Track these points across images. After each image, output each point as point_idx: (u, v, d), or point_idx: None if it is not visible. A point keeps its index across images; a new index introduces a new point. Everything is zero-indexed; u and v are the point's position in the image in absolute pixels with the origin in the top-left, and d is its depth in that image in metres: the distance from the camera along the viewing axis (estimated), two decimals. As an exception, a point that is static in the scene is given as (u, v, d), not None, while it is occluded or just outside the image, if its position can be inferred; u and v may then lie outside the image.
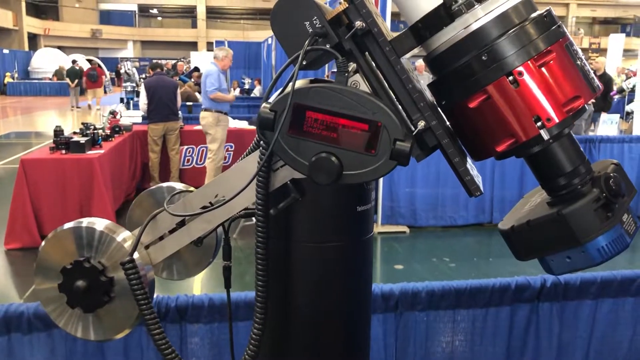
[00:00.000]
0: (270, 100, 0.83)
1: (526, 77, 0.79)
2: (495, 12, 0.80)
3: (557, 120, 0.79)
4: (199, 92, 11.84)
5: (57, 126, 5.72)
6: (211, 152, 6.77)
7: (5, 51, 26.43)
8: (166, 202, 0.96)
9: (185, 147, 7.57)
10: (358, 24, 0.83)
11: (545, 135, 0.80)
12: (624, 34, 22.15)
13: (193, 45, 33.17)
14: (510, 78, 0.79)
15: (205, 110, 6.69)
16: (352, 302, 0.96)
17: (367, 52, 0.86)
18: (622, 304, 2.26)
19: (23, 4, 27.83)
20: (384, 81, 0.86)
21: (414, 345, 2.11)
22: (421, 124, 0.83)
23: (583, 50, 25.44)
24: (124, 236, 0.97)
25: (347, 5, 0.85)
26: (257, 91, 14.70)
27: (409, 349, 2.11)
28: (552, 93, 0.79)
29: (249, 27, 34.16)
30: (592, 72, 0.83)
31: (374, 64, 0.87)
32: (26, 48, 29.03)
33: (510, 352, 2.20)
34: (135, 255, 0.93)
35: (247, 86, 15.58)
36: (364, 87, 0.86)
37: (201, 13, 34.85)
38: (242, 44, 17.97)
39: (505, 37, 0.79)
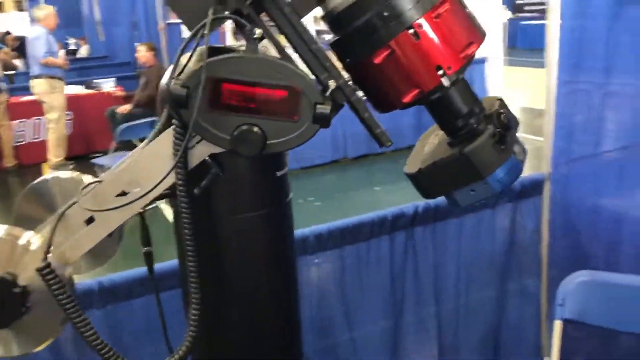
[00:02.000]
0: (179, 75, 0.80)
1: (426, 29, 0.83)
2: None
3: (456, 68, 0.86)
4: (17, 58, 10.73)
5: None
6: (50, 122, 6.25)
7: None
8: (77, 196, 0.89)
9: (16, 121, 6.90)
10: None
11: (446, 82, 0.86)
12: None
13: (-2, 5, 29.65)
14: (411, 31, 0.83)
15: (37, 77, 6.12)
16: (282, 268, 0.98)
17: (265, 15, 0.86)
18: (481, 217, 2.52)
19: None
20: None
21: (308, 287, 2.20)
22: (332, 83, 0.85)
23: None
24: (29, 239, 0.90)
25: None
26: (83, 51, 13.60)
27: (304, 292, 2.19)
28: (450, 42, 0.85)
29: (60, -19, 31.22)
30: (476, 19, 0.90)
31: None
32: None
33: (394, 278, 2.37)
34: (50, 257, 0.87)
35: (72, 47, 14.34)
36: (273, 52, 0.85)
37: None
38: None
39: None
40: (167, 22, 7.39)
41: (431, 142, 1.04)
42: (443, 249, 2.45)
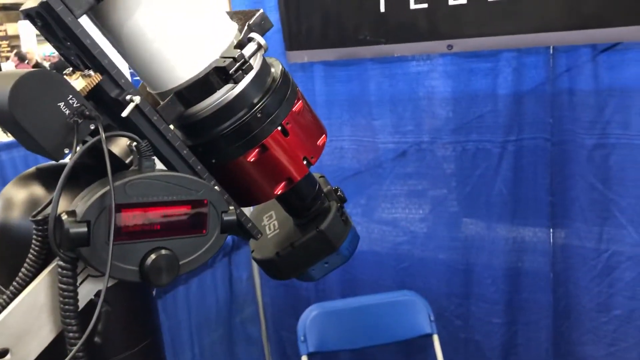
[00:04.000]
0: (75, 210, 0.67)
1: (292, 125, 0.89)
2: (253, 71, 0.85)
3: (317, 157, 0.93)
4: None
5: None
6: None
7: None
8: None
9: None
10: (135, 98, 0.74)
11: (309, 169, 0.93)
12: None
13: None
14: (280, 129, 0.87)
15: None
16: None
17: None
18: (203, 277, 2.56)
19: None
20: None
21: None
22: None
23: (-9, 39, 24.11)
24: None
25: (100, 78, 0.75)
26: None
27: None
28: (310, 134, 0.92)
29: None
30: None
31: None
32: None
33: None
34: None
35: None
36: (160, 165, 0.78)
37: None
38: None
39: (270, 95, 0.86)
40: None
41: (270, 225, 1.08)
42: (175, 318, 2.41)
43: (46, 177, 0.78)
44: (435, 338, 2.23)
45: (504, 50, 2.02)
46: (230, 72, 0.79)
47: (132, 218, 0.70)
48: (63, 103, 0.70)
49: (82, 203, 0.68)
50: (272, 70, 0.91)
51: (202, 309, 2.55)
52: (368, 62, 2.30)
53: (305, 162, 0.91)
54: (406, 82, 2.25)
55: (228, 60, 0.79)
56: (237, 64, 0.79)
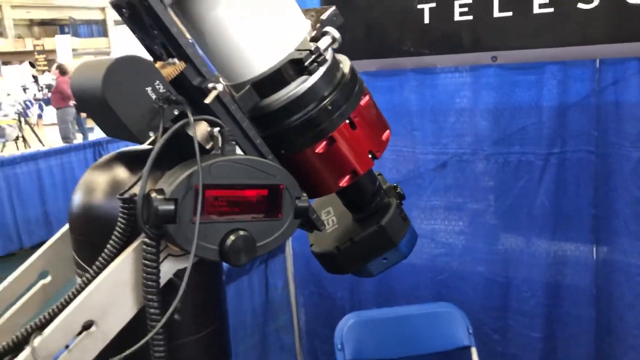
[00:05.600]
0: (163, 188, 0.69)
1: (359, 119, 0.91)
2: (321, 70, 0.88)
3: (382, 151, 0.95)
4: None
5: None
6: None
7: None
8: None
9: None
10: (219, 86, 0.77)
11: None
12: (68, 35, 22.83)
13: None
14: (348, 122, 0.89)
15: None
16: None
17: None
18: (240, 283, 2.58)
19: None
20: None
21: None
22: None
23: (29, 52, 24.78)
24: None
25: (184, 66, 0.78)
26: None
27: None
28: (375, 129, 0.94)
29: None
30: None
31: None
32: None
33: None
34: None
35: None
36: (239, 151, 0.80)
37: None
38: None
39: (339, 89, 0.89)
40: None
41: (327, 220, 1.10)
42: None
43: (127, 161, 0.81)
44: (474, 351, 2.22)
45: (549, 62, 2.02)
46: (306, 64, 0.81)
47: (214, 199, 0.73)
48: (150, 88, 0.74)
49: (169, 182, 0.70)
50: (341, 65, 0.93)
51: (238, 314, 2.56)
52: (409, 72, 2.32)
53: (370, 156, 0.93)
54: (448, 93, 2.26)
55: (304, 53, 0.81)
56: (313, 56, 0.82)
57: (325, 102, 0.87)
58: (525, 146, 2.14)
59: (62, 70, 9.06)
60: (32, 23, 30.94)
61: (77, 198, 0.80)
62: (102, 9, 28.01)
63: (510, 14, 2.01)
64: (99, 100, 0.71)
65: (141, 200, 0.69)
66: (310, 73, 0.83)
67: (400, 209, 1.05)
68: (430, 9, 2.16)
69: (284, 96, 0.87)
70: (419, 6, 2.17)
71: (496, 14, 2.04)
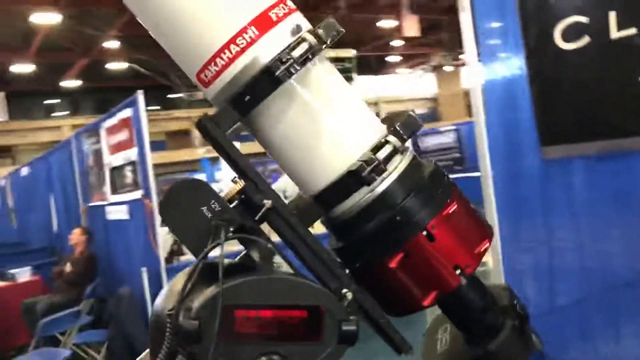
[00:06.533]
0: (192, 306, 0.71)
1: (439, 230, 0.81)
2: (396, 172, 0.82)
3: (474, 266, 0.83)
4: None
5: None
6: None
7: None
8: None
9: None
10: (267, 202, 0.78)
11: (463, 281, 0.83)
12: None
13: None
14: (425, 233, 0.80)
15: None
16: None
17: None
18: None
19: None
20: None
21: None
22: (348, 294, 0.79)
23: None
24: None
25: (243, 184, 0.80)
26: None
27: None
28: (464, 240, 0.83)
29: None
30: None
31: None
32: None
33: None
34: None
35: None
36: (286, 267, 0.79)
37: None
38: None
39: (413, 195, 0.81)
40: (89, 204, 7.25)
41: (442, 339, 0.98)
42: None
43: (205, 272, 0.84)
44: None
45: None
46: (363, 175, 0.77)
47: (245, 319, 0.71)
48: (206, 207, 0.77)
49: (197, 300, 0.71)
50: (424, 170, 0.86)
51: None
52: (638, 154, 2.00)
53: (458, 272, 0.81)
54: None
55: (358, 164, 0.78)
56: (369, 167, 0.77)
57: (395, 211, 0.80)
58: None
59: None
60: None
61: (156, 300, 0.84)
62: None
63: None
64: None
65: (175, 318, 0.71)
66: (369, 184, 0.78)
67: (521, 331, 0.88)
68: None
69: (350, 207, 0.82)
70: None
71: None
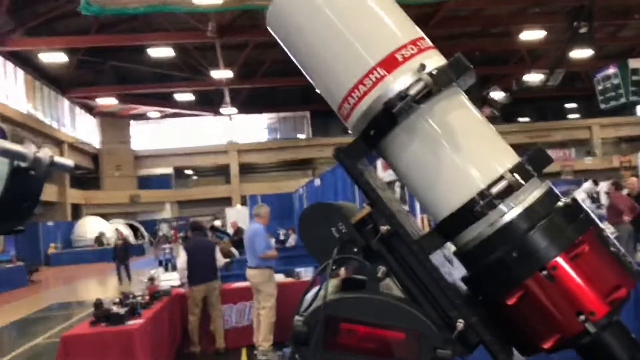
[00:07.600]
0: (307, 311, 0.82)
1: (561, 271, 0.76)
2: (520, 207, 0.80)
3: (601, 314, 0.76)
4: (234, 247, 11.96)
5: (97, 299, 5.79)
6: (264, 309, 6.67)
7: (50, 223, 27.51)
8: None
9: (224, 306, 7.46)
10: (383, 228, 0.84)
11: (591, 328, 0.76)
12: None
13: (227, 201, 33.87)
14: (545, 273, 0.77)
15: (255, 268, 6.70)
16: None
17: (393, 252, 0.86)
18: None
19: (67, 178, 29.19)
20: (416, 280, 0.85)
21: None
22: (460, 323, 0.80)
23: (614, 169, 25.30)
24: None
25: (370, 209, 0.87)
26: (292, 240, 14.76)
27: None
28: (591, 285, 0.76)
29: (280, 178, 35.09)
30: (628, 256, 0.81)
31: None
32: (69, 218, 30.03)
33: None
34: None
35: (282, 237, 15.72)
36: (396, 291, 0.84)
37: (234, 169, 36.10)
38: (275, 196, 18.36)
39: (535, 231, 0.78)
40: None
41: None
42: None
43: (348, 284, 0.93)
44: None
45: None
46: (474, 209, 0.78)
47: (348, 332, 0.78)
48: (335, 229, 0.87)
49: (312, 307, 0.81)
50: (557, 204, 0.81)
51: None
52: None
53: (582, 318, 0.75)
54: None
55: (470, 198, 0.79)
56: (482, 202, 0.78)
57: (512, 247, 0.78)
58: None
59: (618, 186, 8.93)
60: (620, 140, 31.79)
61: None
62: None
63: None
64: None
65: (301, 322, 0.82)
66: (477, 218, 0.78)
67: None
68: None
69: (471, 239, 0.82)
70: None
71: None
